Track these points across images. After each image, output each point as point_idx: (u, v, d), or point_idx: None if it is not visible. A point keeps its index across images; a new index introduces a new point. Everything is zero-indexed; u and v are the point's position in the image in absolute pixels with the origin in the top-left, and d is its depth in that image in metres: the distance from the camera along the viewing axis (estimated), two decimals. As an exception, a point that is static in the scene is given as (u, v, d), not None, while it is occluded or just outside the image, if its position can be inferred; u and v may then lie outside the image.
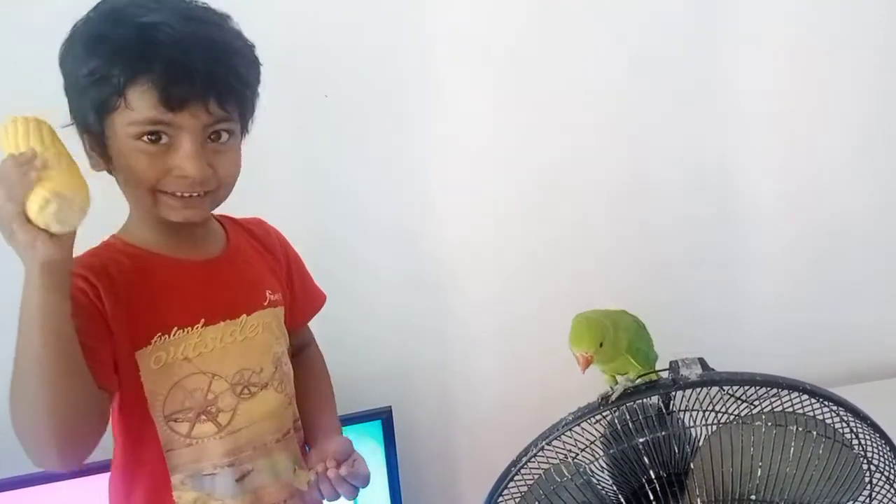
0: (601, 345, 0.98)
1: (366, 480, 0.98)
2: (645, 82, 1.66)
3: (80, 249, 0.88)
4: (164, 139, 0.87)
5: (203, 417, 0.94)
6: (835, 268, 1.83)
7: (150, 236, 0.95)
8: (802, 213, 1.79)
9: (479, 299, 1.68)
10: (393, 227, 1.62)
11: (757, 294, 1.80)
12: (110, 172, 0.93)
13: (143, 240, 0.95)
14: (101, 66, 0.85)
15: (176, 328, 0.92)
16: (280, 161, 1.43)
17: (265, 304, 1.01)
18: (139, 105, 0.85)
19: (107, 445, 1.28)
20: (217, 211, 1.00)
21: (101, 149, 0.90)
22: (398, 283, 1.63)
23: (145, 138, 0.86)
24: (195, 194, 0.90)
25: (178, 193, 0.89)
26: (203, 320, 0.94)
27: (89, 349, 0.83)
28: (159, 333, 0.91)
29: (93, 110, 0.87)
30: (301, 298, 1.11)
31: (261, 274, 1.03)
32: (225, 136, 0.91)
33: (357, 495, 0.98)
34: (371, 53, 1.53)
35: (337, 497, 0.97)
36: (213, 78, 0.86)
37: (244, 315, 0.98)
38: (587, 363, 0.98)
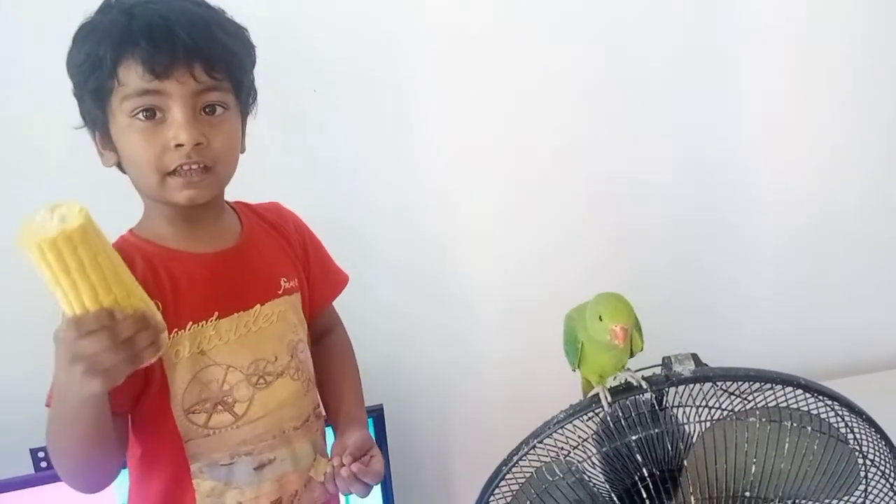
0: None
1: (377, 477, 0.98)
2: (642, 82, 1.64)
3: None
4: (158, 114, 0.88)
5: (219, 408, 0.94)
6: (830, 265, 1.81)
7: (163, 230, 0.95)
8: (798, 211, 1.77)
9: (478, 295, 1.67)
10: (391, 220, 1.60)
11: (752, 292, 1.78)
12: (121, 168, 0.94)
13: (156, 234, 0.95)
14: (92, 51, 0.87)
15: (191, 323, 0.92)
16: (276, 151, 1.42)
17: (280, 292, 1.01)
18: (128, 78, 0.86)
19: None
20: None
21: (109, 141, 0.91)
22: (395, 279, 1.61)
23: (140, 115, 0.87)
24: (194, 167, 0.89)
25: (178, 168, 0.89)
26: (217, 313, 0.94)
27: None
28: (175, 329, 0.91)
29: (92, 98, 0.89)
30: (320, 281, 1.10)
31: (275, 262, 1.03)
32: (219, 109, 0.91)
33: (369, 492, 0.99)
34: (362, 44, 1.51)
35: (350, 492, 0.98)
36: (195, 44, 0.87)
37: (258, 305, 0.97)
38: (626, 334, 0.98)
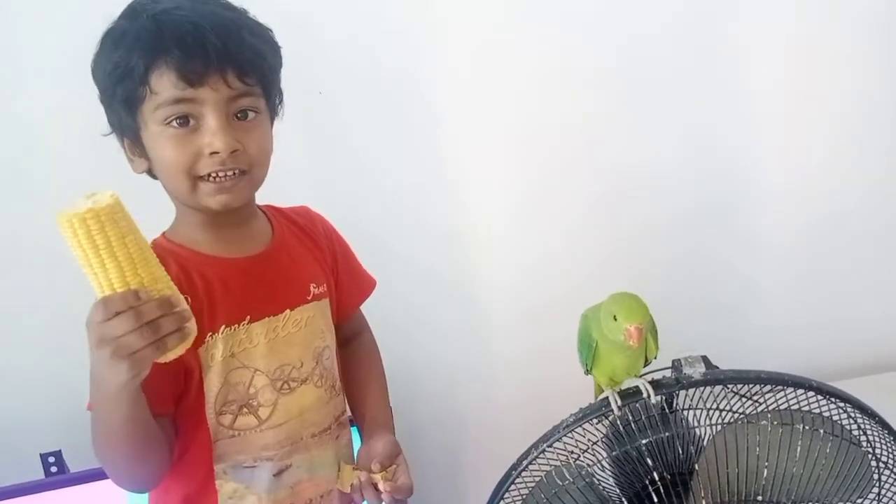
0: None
1: (409, 492, 0.98)
2: (647, 75, 1.63)
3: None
4: (192, 121, 0.88)
5: (245, 410, 0.95)
6: (842, 260, 1.79)
7: (195, 235, 0.95)
8: (808, 205, 1.75)
9: (488, 296, 1.66)
10: (402, 220, 1.60)
11: (762, 288, 1.77)
12: (151, 174, 0.94)
13: (189, 239, 0.95)
14: (122, 59, 0.86)
15: (224, 326, 0.92)
16: (292, 151, 1.43)
17: (309, 297, 1.01)
18: (161, 87, 0.86)
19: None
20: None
21: (139, 147, 0.91)
22: (405, 279, 1.60)
23: (174, 122, 0.87)
24: (229, 174, 0.90)
25: (213, 175, 0.89)
26: (249, 317, 0.94)
27: (155, 382, 0.85)
28: (210, 332, 0.92)
29: (123, 106, 0.89)
30: (348, 285, 1.10)
31: (305, 267, 1.03)
32: (251, 114, 0.92)
33: None
34: (377, 45, 1.51)
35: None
36: (227, 50, 0.87)
37: (288, 310, 0.98)
38: (641, 335, 0.96)
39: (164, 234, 0.97)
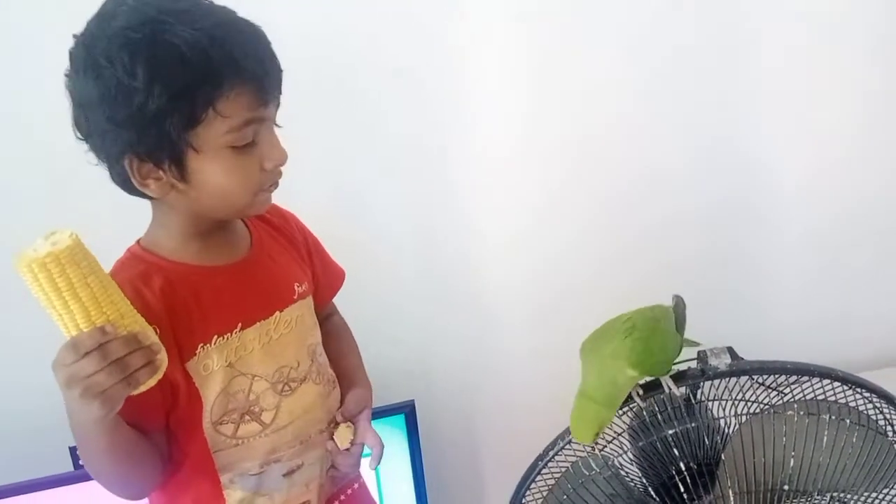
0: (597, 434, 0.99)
1: (375, 442, 1.02)
2: (664, 72, 1.62)
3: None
4: (253, 139, 0.87)
5: (247, 417, 0.94)
6: (861, 253, 1.78)
7: (180, 244, 0.92)
8: (826, 200, 1.74)
9: (502, 295, 1.66)
10: (414, 223, 1.60)
11: (783, 283, 1.76)
12: (149, 196, 0.89)
13: (171, 249, 0.92)
14: (184, 83, 0.80)
15: (216, 336, 0.91)
16: (296, 158, 1.44)
17: (295, 297, 1.00)
18: (233, 110, 0.83)
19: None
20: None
21: (178, 171, 0.85)
22: (420, 280, 1.61)
23: (241, 143, 0.85)
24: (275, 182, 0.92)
25: (270, 185, 0.91)
26: (240, 325, 0.93)
27: (141, 402, 0.84)
28: (201, 344, 0.90)
29: (175, 132, 0.82)
30: (322, 279, 1.10)
31: (286, 267, 1.02)
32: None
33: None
34: (388, 48, 1.51)
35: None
36: (276, 65, 0.87)
37: (277, 312, 0.97)
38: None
39: (139, 243, 0.94)
